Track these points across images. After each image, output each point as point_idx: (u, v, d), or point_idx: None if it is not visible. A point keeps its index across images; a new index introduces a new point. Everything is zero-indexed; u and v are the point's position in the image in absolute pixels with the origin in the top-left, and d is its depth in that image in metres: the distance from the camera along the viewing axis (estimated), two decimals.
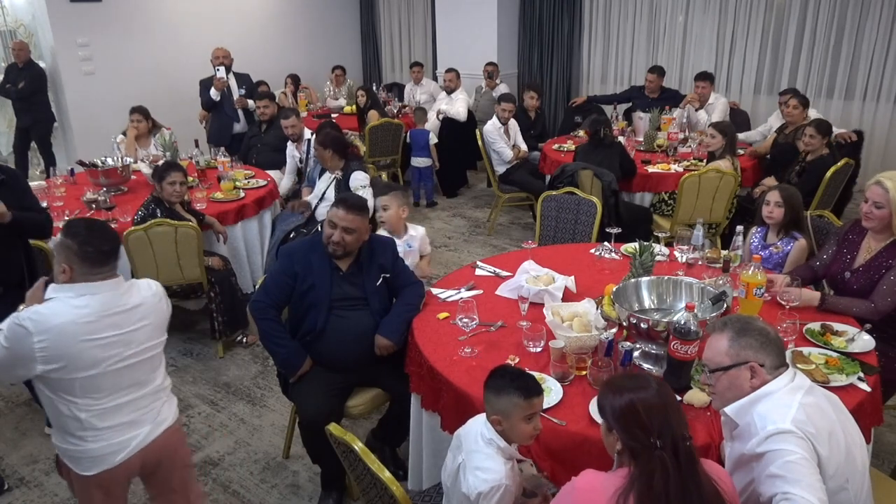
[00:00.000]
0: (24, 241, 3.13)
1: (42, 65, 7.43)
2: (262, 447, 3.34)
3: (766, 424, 1.70)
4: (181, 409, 3.59)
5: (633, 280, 2.62)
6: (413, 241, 3.53)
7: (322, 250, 2.85)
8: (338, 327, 2.82)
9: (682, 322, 2.19)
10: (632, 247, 3.28)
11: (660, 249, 3.30)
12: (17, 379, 2.06)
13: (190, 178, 4.69)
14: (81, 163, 5.07)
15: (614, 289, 2.57)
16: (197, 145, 5.59)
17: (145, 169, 4.99)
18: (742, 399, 1.79)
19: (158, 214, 3.90)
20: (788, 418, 1.68)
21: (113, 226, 4.08)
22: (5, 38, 8.43)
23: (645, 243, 2.83)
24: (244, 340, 4.27)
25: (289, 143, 5.41)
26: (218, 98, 6.47)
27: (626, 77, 8.13)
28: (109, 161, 5.02)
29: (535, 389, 1.90)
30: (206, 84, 6.53)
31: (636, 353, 2.42)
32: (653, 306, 2.57)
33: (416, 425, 2.72)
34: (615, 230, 3.39)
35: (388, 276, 2.92)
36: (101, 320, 2.00)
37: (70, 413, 2.02)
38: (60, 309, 1.96)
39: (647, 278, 2.62)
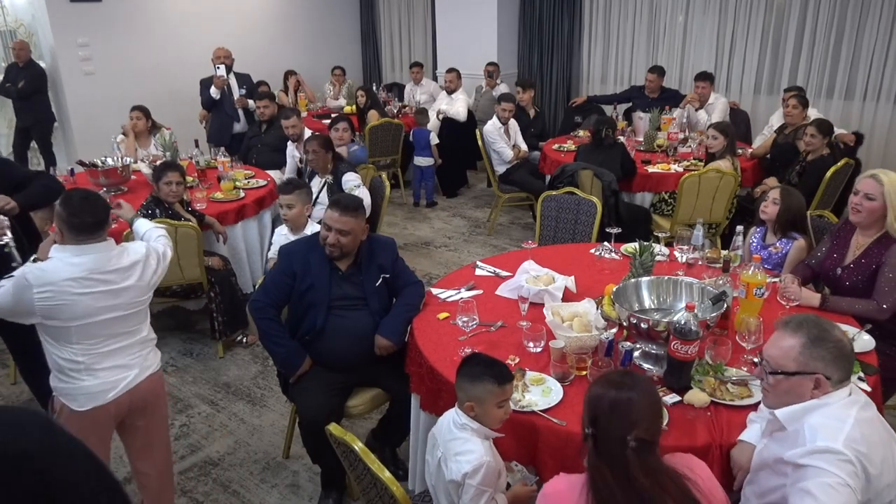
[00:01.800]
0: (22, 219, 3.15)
1: (42, 65, 7.43)
2: (262, 447, 3.34)
3: (816, 438, 1.63)
4: (181, 409, 3.63)
5: (633, 280, 2.62)
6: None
7: (321, 250, 2.85)
8: (337, 327, 2.82)
9: (683, 322, 2.19)
10: (632, 247, 3.28)
11: (660, 249, 3.30)
12: (19, 320, 2.29)
13: (190, 178, 4.70)
14: (81, 163, 5.07)
15: (614, 289, 2.57)
16: (197, 145, 5.59)
17: (145, 169, 4.99)
18: (795, 405, 1.73)
19: (158, 214, 3.90)
20: (841, 437, 1.61)
21: (113, 225, 4.10)
22: (5, 37, 8.42)
23: (645, 243, 2.83)
24: (244, 340, 4.27)
25: (289, 143, 5.41)
26: (218, 96, 6.47)
27: (626, 77, 8.12)
28: (109, 161, 5.01)
29: (508, 376, 1.99)
30: (206, 83, 6.53)
31: (636, 354, 2.42)
32: (653, 306, 2.57)
33: (415, 426, 2.72)
34: (615, 230, 3.39)
35: (387, 276, 2.92)
36: (93, 276, 2.27)
37: (69, 357, 2.31)
38: (58, 266, 2.24)
39: (648, 278, 2.62)
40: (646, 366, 2.39)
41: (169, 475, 2.73)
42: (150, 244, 2.57)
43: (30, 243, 2.96)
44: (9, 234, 2.73)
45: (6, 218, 2.79)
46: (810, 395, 1.72)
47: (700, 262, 3.16)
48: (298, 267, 2.84)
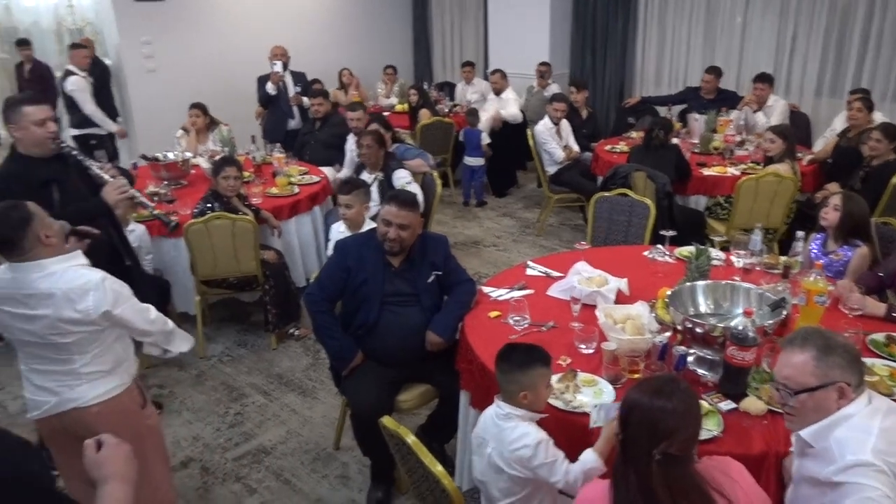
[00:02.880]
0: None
1: (107, 62, 7.70)
2: (312, 438, 3.41)
3: (844, 453, 1.60)
4: (235, 398, 3.72)
5: (688, 284, 2.59)
6: None
7: (376, 246, 2.89)
8: (389, 322, 2.86)
9: (741, 328, 2.16)
10: (687, 250, 3.24)
11: (716, 253, 3.25)
12: None
13: (246, 174, 4.82)
14: (144, 157, 5.24)
15: (669, 292, 2.55)
16: (253, 141, 5.73)
17: (204, 164, 5.13)
18: (820, 423, 1.68)
19: (216, 208, 4.01)
20: (868, 448, 1.58)
21: (173, 218, 4.23)
22: (73, 35, 8.77)
23: (701, 247, 2.79)
24: (296, 333, 4.36)
25: (349, 137, 5.49)
26: (274, 92, 6.61)
27: (680, 78, 7.98)
28: (170, 156, 5.17)
29: (549, 356, 2.08)
30: (263, 80, 6.68)
31: (690, 358, 2.39)
32: (709, 311, 2.53)
33: (464, 423, 2.75)
34: (670, 233, 3.34)
35: (439, 273, 2.95)
36: (9, 293, 2.14)
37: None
38: None
39: (704, 282, 2.59)
40: (700, 371, 2.36)
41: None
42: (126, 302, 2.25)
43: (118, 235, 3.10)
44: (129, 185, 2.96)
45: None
46: (836, 406, 1.66)
47: (757, 268, 3.10)
48: (353, 262, 2.89)
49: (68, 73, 6.50)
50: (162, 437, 2.59)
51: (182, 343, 2.56)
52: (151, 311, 2.37)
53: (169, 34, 7.59)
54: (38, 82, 8.11)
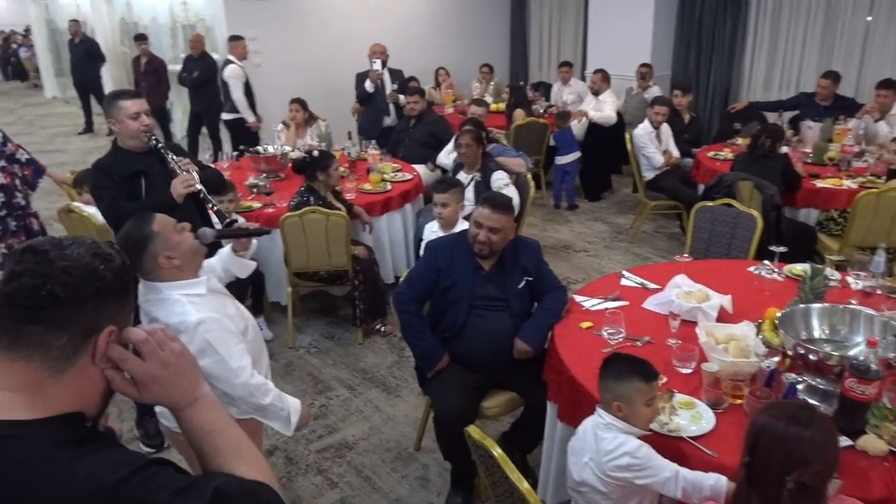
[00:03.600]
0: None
1: (216, 56, 8.03)
2: (394, 436, 3.41)
3: None
4: (321, 391, 3.78)
5: (801, 306, 2.40)
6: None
7: (466, 248, 2.85)
8: (477, 326, 2.81)
9: (861, 358, 1.98)
10: (800, 268, 3.03)
11: (831, 273, 3.01)
12: None
13: (341, 169, 4.89)
14: (246, 149, 5.42)
15: (779, 313, 2.38)
16: (350, 137, 5.81)
17: (294, 156, 5.24)
18: None
19: (311, 202, 4.08)
20: None
21: (270, 210, 4.35)
22: (186, 31, 9.21)
23: (817, 266, 2.59)
24: (382, 329, 4.39)
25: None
26: (372, 90, 6.69)
27: (792, 82, 7.54)
28: (270, 149, 5.33)
29: (654, 373, 1.99)
30: (362, 77, 6.77)
31: (801, 387, 2.22)
32: (823, 337, 2.35)
33: (550, 434, 2.66)
34: (780, 249, 3.12)
35: (530, 279, 2.88)
36: (142, 305, 2.08)
37: None
38: None
39: (819, 305, 2.40)
40: (811, 401, 2.17)
41: None
42: None
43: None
44: (200, 184, 2.95)
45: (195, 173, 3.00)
46: None
47: (878, 292, 2.85)
48: (443, 263, 2.86)
49: (227, 62, 7.07)
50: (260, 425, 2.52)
51: (277, 422, 2.23)
52: (243, 376, 2.07)
53: (273, 30, 7.84)
54: (152, 75, 8.60)
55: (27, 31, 18.44)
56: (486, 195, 2.97)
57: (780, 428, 1.49)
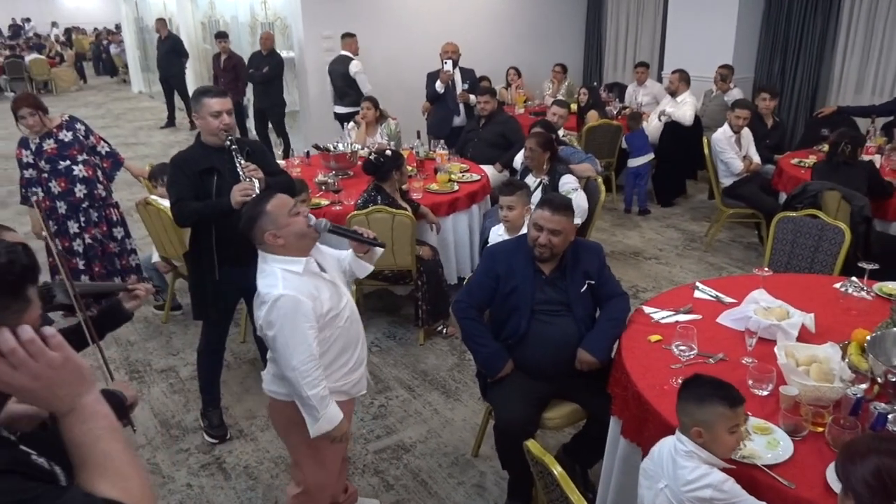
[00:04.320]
0: None
1: (291, 55, 8.20)
2: (452, 441, 3.37)
3: None
4: (380, 390, 3.78)
5: (894, 329, 2.23)
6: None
7: (526, 252, 2.79)
8: (540, 333, 2.74)
9: None
10: (892, 287, 2.82)
11: None
12: None
13: (409, 168, 4.88)
14: (317, 146, 5.48)
15: (868, 336, 2.21)
16: (419, 136, 5.81)
17: (362, 153, 5.25)
18: None
19: (379, 201, 4.08)
20: None
21: (337, 208, 4.38)
22: (264, 29, 9.43)
23: None
24: (444, 331, 4.36)
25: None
26: (442, 90, 6.68)
27: (886, 87, 7.09)
28: (340, 147, 5.37)
29: (739, 399, 1.86)
30: (433, 77, 6.77)
31: (891, 416, 2.05)
32: None
33: (611, 450, 2.57)
34: (871, 266, 2.91)
35: (592, 283, 2.79)
36: None
37: None
38: None
39: None
40: None
41: None
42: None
43: None
44: (257, 188, 2.96)
45: (257, 182, 3.00)
46: None
47: None
48: (502, 269, 2.80)
49: (346, 59, 7.25)
50: (336, 454, 2.55)
51: (313, 421, 2.27)
52: (295, 359, 2.20)
53: (347, 28, 7.91)
54: (231, 71, 8.84)
55: (117, 28, 19.39)
56: (544, 197, 2.89)
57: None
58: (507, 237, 3.52)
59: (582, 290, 2.77)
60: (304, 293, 2.22)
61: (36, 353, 1.03)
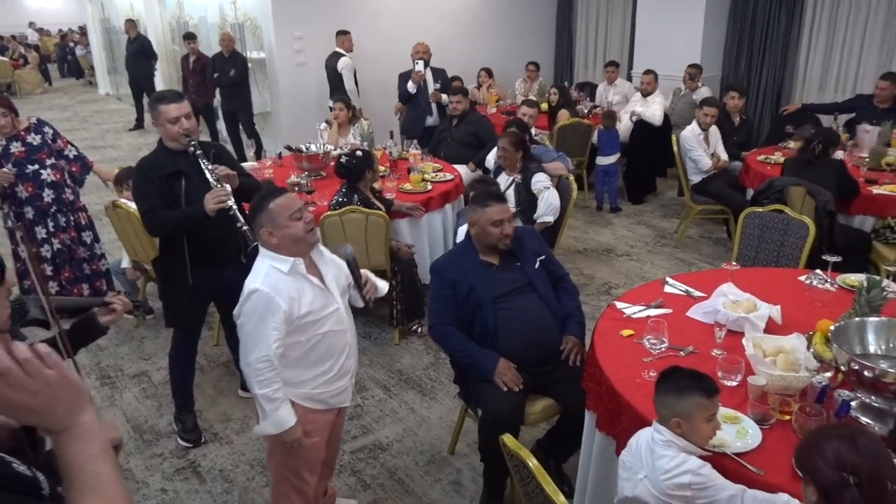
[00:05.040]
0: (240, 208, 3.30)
1: (262, 55, 8.14)
2: (428, 439, 3.38)
3: None
4: (357, 391, 3.76)
5: (856, 319, 2.29)
6: None
7: (471, 252, 2.90)
8: (508, 322, 2.79)
9: None
10: (855, 279, 2.90)
11: (888, 285, 2.87)
12: None
13: (382, 168, 4.88)
14: (289, 147, 5.46)
15: (832, 326, 2.27)
16: (392, 136, 5.81)
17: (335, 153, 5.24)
18: None
19: (355, 201, 4.08)
20: None
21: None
22: (235, 30, 9.35)
23: (875, 277, 2.47)
24: (419, 331, 4.37)
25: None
26: (414, 91, 6.69)
27: (849, 84, 7.27)
28: (312, 147, 5.35)
29: (716, 388, 1.92)
30: (404, 77, 6.77)
31: (854, 404, 2.11)
32: (880, 352, 2.23)
33: (587, 444, 2.60)
34: (834, 258, 2.99)
35: (543, 258, 2.95)
36: None
37: None
38: None
39: (876, 319, 2.27)
40: (864, 420, 2.07)
41: None
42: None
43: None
44: (232, 200, 2.94)
45: (229, 187, 2.99)
46: None
47: None
48: (456, 275, 2.85)
49: (337, 55, 7.42)
50: (308, 464, 2.51)
51: (262, 419, 2.32)
52: (252, 355, 2.24)
53: (318, 29, 7.91)
54: (200, 73, 8.75)
55: (83, 29, 19.04)
56: (483, 193, 3.00)
57: (834, 434, 1.49)
58: None
59: (536, 267, 2.90)
60: (282, 292, 2.24)
61: (33, 372, 1.01)
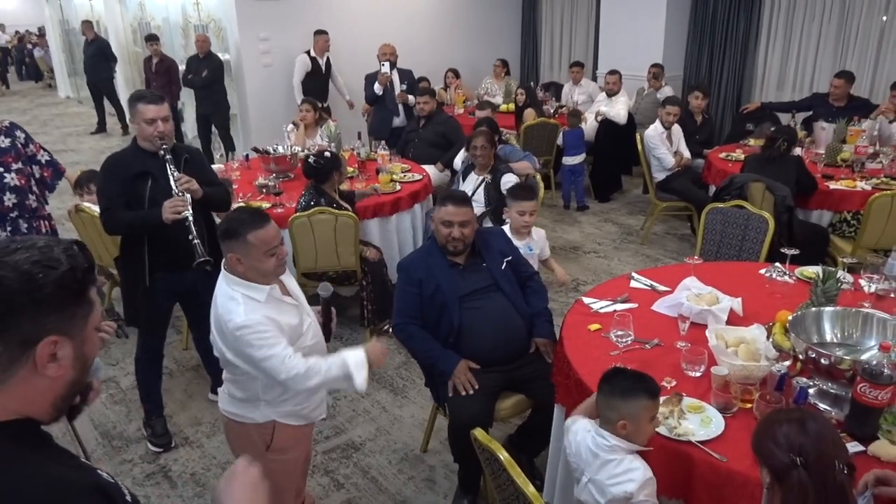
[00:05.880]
0: (205, 215, 3.27)
1: (227, 57, 8.05)
2: (401, 438, 3.40)
3: None
4: (329, 391, 3.76)
5: (813, 309, 2.37)
6: (533, 245, 3.51)
7: (437, 252, 2.91)
8: (473, 320, 2.82)
9: (874, 363, 1.95)
10: (812, 271, 2.99)
11: (843, 276, 2.97)
12: None
13: (350, 169, 4.88)
14: (256, 149, 5.42)
15: (790, 317, 2.34)
16: (359, 137, 5.81)
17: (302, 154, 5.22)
18: None
19: (322, 203, 4.07)
20: None
21: (279, 210, 4.35)
22: (198, 31, 9.23)
23: (830, 269, 2.55)
24: (390, 330, 4.36)
25: None
26: (381, 92, 6.70)
27: (806, 83, 7.48)
28: (280, 149, 5.33)
29: (658, 388, 1.94)
30: (371, 79, 6.78)
31: (812, 391, 2.18)
32: (835, 340, 2.31)
33: (557, 437, 2.64)
34: (792, 251, 3.09)
35: (510, 259, 2.97)
36: None
37: None
38: None
39: (832, 308, 2.36)
40: (822, 406, 2.15)
41: None
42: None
43: (209, 237, 3.06)
44: (190, 210, 2.93)
45: (189, 196, 2.99)
46: None
47: (892, 295, 2.81)
48: (422, 274, 2.88)
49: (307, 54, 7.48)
50: (290, 479, 2.42)
51: (343, 385, 2.27)
52: (281, 374, 2.13)
53: (285, 30, 7.86)
54: (163, 75, 8.62)
55: (41, 31, 18.60)
56: (444, 194, 3.02)
57: (784, 417, 1.54)
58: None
59: (503, 268, 2.93)
60: (264, 319, 2.12)
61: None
